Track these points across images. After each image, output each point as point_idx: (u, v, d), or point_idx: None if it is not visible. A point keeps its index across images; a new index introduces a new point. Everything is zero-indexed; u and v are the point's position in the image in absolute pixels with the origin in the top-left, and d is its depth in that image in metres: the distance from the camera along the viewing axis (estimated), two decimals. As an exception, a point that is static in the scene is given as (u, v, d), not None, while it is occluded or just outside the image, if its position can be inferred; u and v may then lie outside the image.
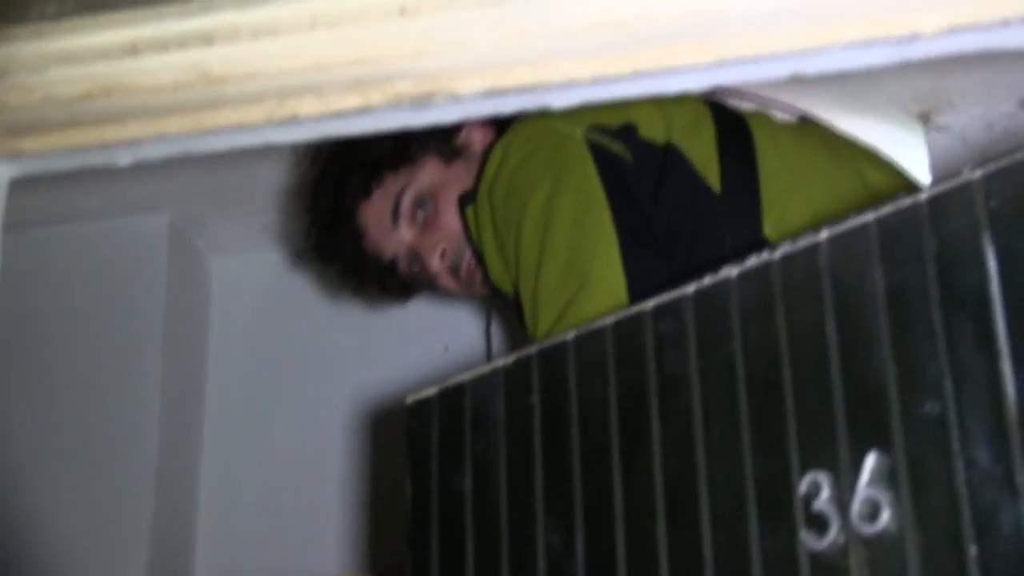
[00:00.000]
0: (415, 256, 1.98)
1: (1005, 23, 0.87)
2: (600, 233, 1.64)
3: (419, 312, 2.70)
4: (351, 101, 0.89)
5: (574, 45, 0.87)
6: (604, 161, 1.70)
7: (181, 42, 0.90)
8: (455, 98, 0.89)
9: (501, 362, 1.40)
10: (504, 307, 2.22)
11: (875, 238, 1.09)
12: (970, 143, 2.52)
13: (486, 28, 0.88)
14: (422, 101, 0.89)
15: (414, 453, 1.46)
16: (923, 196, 1.07)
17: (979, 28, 0.87)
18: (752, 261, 1.18)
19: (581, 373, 1.30)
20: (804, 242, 1.14)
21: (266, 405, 2.84)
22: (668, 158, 1.72)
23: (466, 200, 1.87)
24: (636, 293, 1.59)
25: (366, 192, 1.96)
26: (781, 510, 1.10)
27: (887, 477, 1.04)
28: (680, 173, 1.72)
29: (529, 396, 1.34)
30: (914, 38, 0.87)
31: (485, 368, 1.41)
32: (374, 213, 1.98)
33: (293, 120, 0.90)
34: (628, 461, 1.22)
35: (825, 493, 1.08)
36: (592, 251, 1.63)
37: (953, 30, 0.87)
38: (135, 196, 2.69)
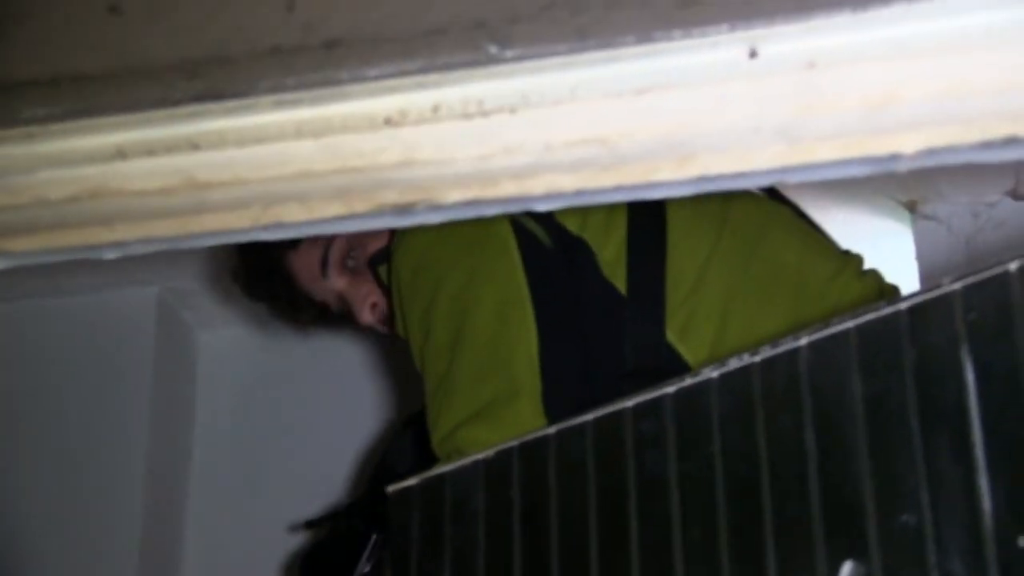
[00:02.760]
0: (346, 303, 1.99)
1: (986, 145, 0.88)
2: (522, 331, 1.64)
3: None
4: (335, 209, 0.90)
5: (557, 160, 0.88)
6: (528, 246, 1.70)
7: (168, 147, 0.91)
8: (438, 207, 0.90)
9: (482, 454, 1.40)
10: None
11: (855, 346, 1.10)
12: (955, 232, 2.53)
13: (470, 140, 0.89)
14: (405, 210, 0.90)
15: (395, 542, 1.46)
16: (903, 305, 1.07)
17: (960, 150, 0.88)
18: (733, 362, 1.19)
19: (561, 469, 1.30)
20: (784, 346, 1.15)
21: (251, 479, 2.84)
22: (578, 253, 1.72)
23: (378, 259, 1.87)
24: (552, 406, 1.59)
25: (293, 242, 1.96)
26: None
27: (864, 587, 1.04)
28: (586, 271, 1.71)
29: (509, 490, 1.34)
30: (894, 158, 0.88)
31: (466, 460, 1.41)
32: (303, 263, 1.97)
33: (277, 225, 0.91)
34: (606, 561, 1.22)
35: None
36: (514, 351, 1.63)
37: (933, 152, 0.88)
38: (123, 271, 2.69)
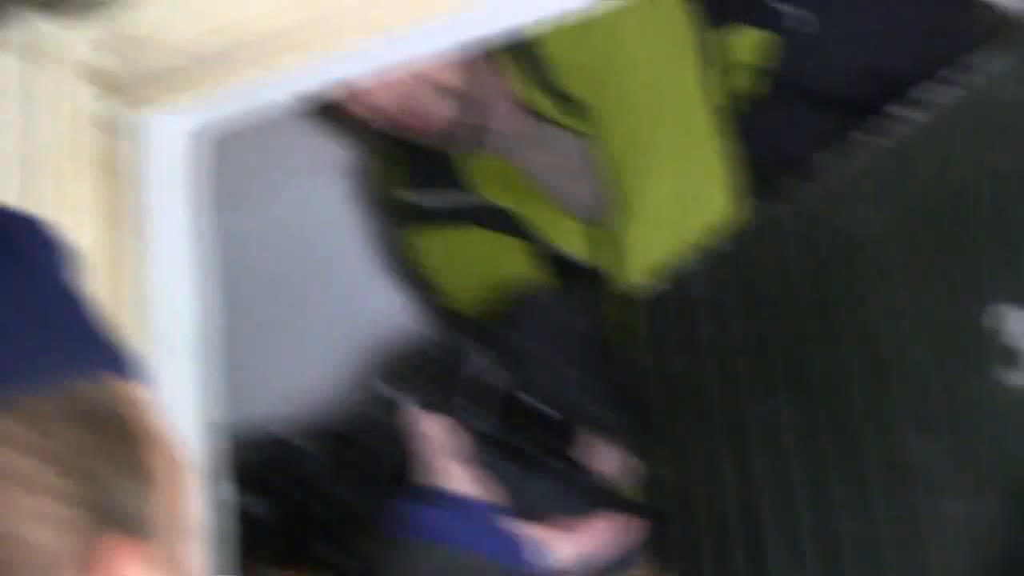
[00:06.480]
0: None
1: None
2: None
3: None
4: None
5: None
6: None
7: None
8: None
9: (727, 244, 1.39)
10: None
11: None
12: None
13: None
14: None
15: (651, 347, 1.45)
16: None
17: None
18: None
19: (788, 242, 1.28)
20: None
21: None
22: None
23: None
24: None
25: None
26: (974, 347, 1.06)
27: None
28: None
29: (744, 273, 1.32)
30: None
31: (700, 254, 1.40)
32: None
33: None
34: (823, 320, 1.20)
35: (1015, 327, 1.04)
36: None
37: None
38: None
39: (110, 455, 0.54)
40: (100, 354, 0.57)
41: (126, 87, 1.00)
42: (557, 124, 1.76)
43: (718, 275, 1.33)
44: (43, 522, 0.51)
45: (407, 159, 1.91)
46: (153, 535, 0.55)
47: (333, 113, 1.81)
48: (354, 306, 2.58)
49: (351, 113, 1.72)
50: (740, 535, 1.24)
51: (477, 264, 1.92)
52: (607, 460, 1.34)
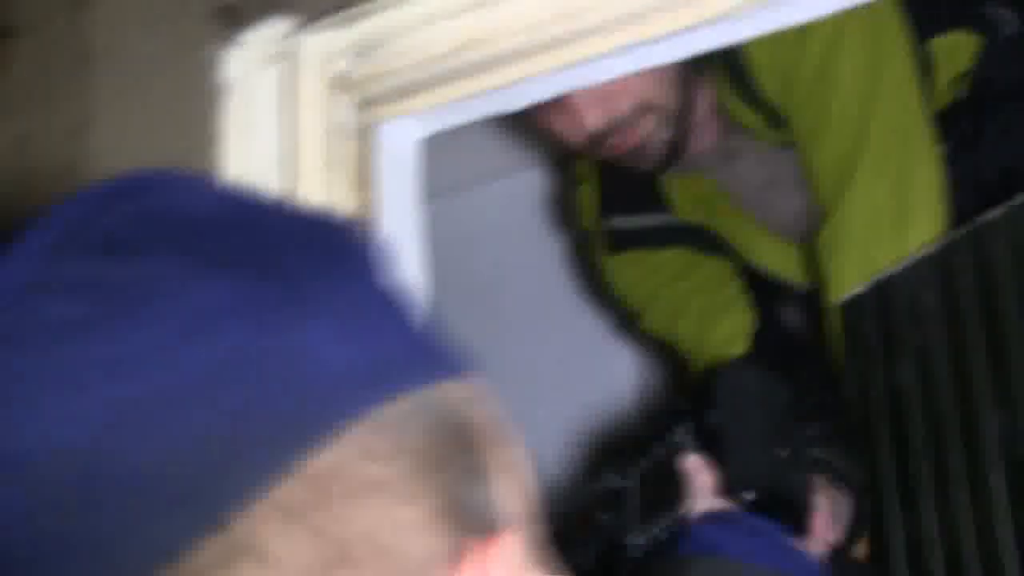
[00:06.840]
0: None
1: None
2: None
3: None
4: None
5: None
6: None
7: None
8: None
9: (927, 251, 1.35)
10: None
11: None
12: None
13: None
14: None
15: (852, 350, 1.42)
16: None
17: None
18: None
19: (1014, 249, 1.23)
20: None
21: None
22: None
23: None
24: None
25: None
26: None
27: None
28: None
29: (959, 279, 1.28)
30: None
31: (911, 258, 1.37)
32: None
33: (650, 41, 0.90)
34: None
35: None
36: None
37: None
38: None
39: (460, 456, 0.55)
40: (433, 357, 0.57)
41: (371, 94, 1.00)
42: (760, 137, 1.72)
43: (950, 282, 1.28)
44: (414, 528, 0.51)
45: (604, 179, 1.88)
46: (508, 527, 0.56)
47: (533, 124, 1.76)
48: (541, 329, 2.49)
49: (553, 130, 1.69)
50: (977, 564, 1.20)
51: (675, 287, 1.87)
52: (825, 521, 1.30)
